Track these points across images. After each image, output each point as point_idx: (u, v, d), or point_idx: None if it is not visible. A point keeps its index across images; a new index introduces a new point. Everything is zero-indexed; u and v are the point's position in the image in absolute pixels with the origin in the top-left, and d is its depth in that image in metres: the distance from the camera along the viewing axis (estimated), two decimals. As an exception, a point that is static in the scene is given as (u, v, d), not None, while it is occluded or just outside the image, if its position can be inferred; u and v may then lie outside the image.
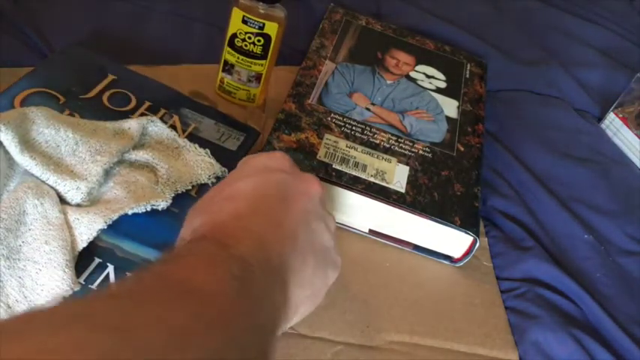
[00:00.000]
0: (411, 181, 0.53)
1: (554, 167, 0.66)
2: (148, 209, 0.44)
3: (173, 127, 0.52)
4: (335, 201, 0.52)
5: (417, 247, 0.54)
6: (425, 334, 0.48)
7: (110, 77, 0.54)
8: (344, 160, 0.53)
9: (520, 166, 0.64)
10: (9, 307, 0.38)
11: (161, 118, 0.52)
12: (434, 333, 0.48)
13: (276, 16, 0.54)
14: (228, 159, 0.51)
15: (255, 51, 0.56)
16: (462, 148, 0.59)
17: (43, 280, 0.39)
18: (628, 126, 0.70)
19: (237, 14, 0.54)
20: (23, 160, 0.43)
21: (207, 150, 0.50)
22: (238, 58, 0.57)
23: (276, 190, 0.38)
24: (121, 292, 0.27)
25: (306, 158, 0.52)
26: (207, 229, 0.34)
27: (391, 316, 0.48)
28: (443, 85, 0.66)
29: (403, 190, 0.52)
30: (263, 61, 0.57)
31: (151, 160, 0.47)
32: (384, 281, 0.51)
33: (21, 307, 0.38)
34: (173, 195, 0.46)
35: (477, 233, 0.51)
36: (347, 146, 0.54)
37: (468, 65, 0.70)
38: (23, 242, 0.40)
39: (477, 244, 0.51)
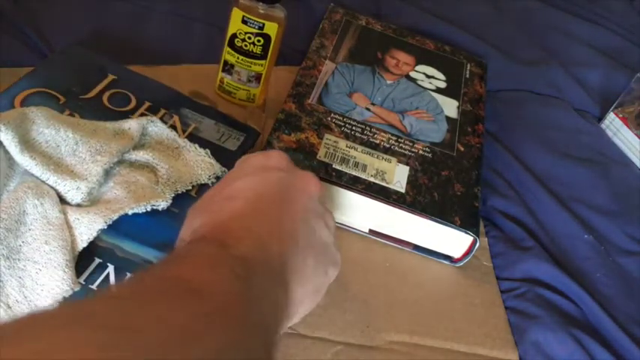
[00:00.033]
0: (411, 181, 0.53)
1: (554, 167, 0.66)
2: (148, 209, 0.44)
3: (173, 127, 0.52)
4: (335, 201, 0.52)
5: (417, 247, 0.54)
6: (425, 334, 0.48)
7: (110, 77, 0.54)
8: (344, 160, 0.53)
9: (520, 166, 0.64)
10: (9, 307, 0.38)
11: (161, 119, 0.52)
12: (434, 333, 0.48)
13: (275, 16, 0.54)
14: (228, 159, 0.51)
15: (255, 51, 0.56)
16: (462, 148, 0.59)
17: (43, 280, 0.39)
18: (628, 126, 0.70)
19: (237, 14, 0.54)
20: (23, 160, 0.43)
21: (207, 150, 0.50)
22: (238, 58, 0.57)
23: (274, 188, 0.38)
24: (122, 293, 0.27)
25: (306, 158, 0.52)
26: (207, 230, 0.34)
27: (391, 316, 0.48)
28: (443, 85, 0.66)
29: (403, 190, 0.52)
30: (263, 61, 0.57)
31: (151, 160, 0.47)
32: (384, 281, 0.51)
33: (21, 307, 0.38)
34: (173, 195, 0.46)
35: (477, 233, 0.51)
36: (347, 146, 0.54)
37: (468, 65, 0.70)
38: (23, 242, 0.40)
39: (477, 244, 0.51)
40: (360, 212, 0.53)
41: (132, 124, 0.49)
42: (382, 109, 0.60)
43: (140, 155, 0.48)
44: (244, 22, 0.54)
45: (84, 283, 0.41)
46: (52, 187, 0.43)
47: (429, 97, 0.64)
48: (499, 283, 0.54)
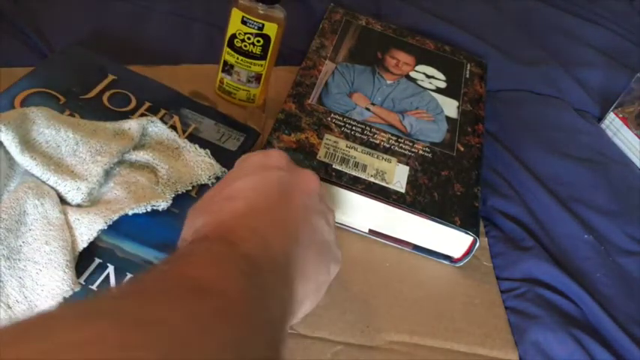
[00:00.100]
0: (411, 181, 0.53)
1: (554, 167, 0.66)
2: (149, 210, 0.44)
3: (173, 127, 0.52)
4: (335, 201, 0.52)
5: (416, 247, 0.54)
6: (425, 334, 0.48)
7: (110, 77, 0.54)
8: (344, 160, 0.53)
9: (520, 166, 0.64)
10: (9, 308, 0.38)
11: (161, 119, 0.52)
12: (434, 333, 0.48)
13: (275, 16, 0.54)
14: (228, 159, 0.51)
15: (254, 51, 0.56)
16: (462, 148, 0.59)
17: (44, 280, 0.39)
18: (628, 126, 0.70)
19: (236, 15, 0.54)
20: (24, 160, 0.43)
21: (207, 150, 0.50)
22: (238, 58, 0.57)
23: (275, 187, 0.38)
24: (139, 289, 0.27)
25: (306, 158, 0.52)
26: (210, 229, 0.34)
27: (391, 316, 0.48)
28: (443, 85, 0.66)
29: (403, 190, 0.52)
30: (262, 62, 0.57)
31: (151, 160, 0.47)
32: (384, 281, 0.51)
33: (21, 308, 0.38)
34: (173, 195, 0.46)
35: (477, 233, 0.51)
36: (347, 146, 0.54)
37: (468, 65, 0.70)
38: (24, 242, 0.40)
39: (477, 244, 0.51)
40: (360, 212, 0.53)
41: (132, 125, 0.49)
42: (382, 109, 0.60)
43: (140, 155, 0.48)
44: (244, 22, 0.54)
45: (84, 283, 0.41)
46: (52, 188, 0.43)
47: (429, 97, 0.64)
48: (499, 283, 0.54)
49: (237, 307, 0.28)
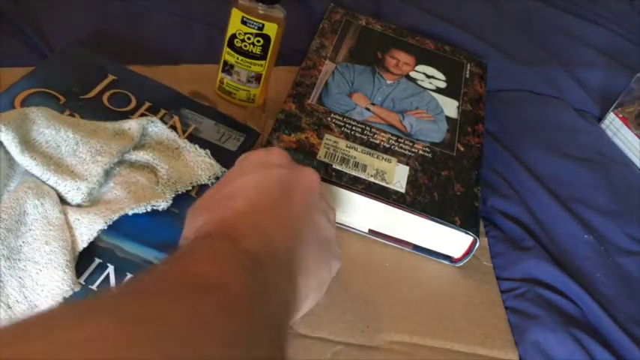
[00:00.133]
0: (411, 181, 0.53)
1: (554, 167, 0.66)
2: (149, 210, 0.44)
3: (173, 127, 0.52)
4: (335, 201, 0.52)
5: (416, 247, 0.54)
6: (425, 334, 0.48)
7: (110, 77, 0.54)
8: (344, 160, 0.53)
9: (520, 166, 0.64)
10: (9, 308, 0.38)
11: (161, 119, 0.52)
12: (434, 333, 0.48)
13: (275, 16, 0.54)
14: (228, 159, 0.51)
15: (254, 51, 0.56)
16: (462, 148, 0.59)
17: (44, 280, 0.39)
18: (628, 126, 0.70)
19: (236, 15, 0.54)
20: (24, 160, 0.43)
21: (207, 150, 0.50)
22: (238, 58, 0.57)
23: (276, 185, 0.38)
24: (140, 288, 0.27)
25: (306, 158, 0.52)
26: (211, 227, 0.34)
27: (391, 316, 0.48)
28: (443, 85, 0.66)
29: (403, 190, 0.52)
30: (262, 62, 0.57)
31: (151, 160, 0.47)
32: (384, 281, 0.51)
33: (21, 308, 0.38)
34: (173, 195, 0.46)
35: (477, 233, 0.51)
36: (347, 146, 0.54)
37: (468, 65, 0.70)
38: (24, 242, 0.40)
39: (477, 244, 0.51)
40: (360, 212, 0.53)
41: (132, 125, 0.49)
42: (382, 109, 0.60)
43: (140, 155, 0.48)
44: (244, 22, 0.54)
45: (84, 283, 0.41)
46: (52, 188, 0.43)
47: (429, 97, 0.64)
48: (499, 283, 0.54)
49: (239, 301, 0.28)
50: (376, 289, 0.50)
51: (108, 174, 0.46)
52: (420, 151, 0.56)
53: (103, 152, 0.46)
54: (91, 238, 0.42)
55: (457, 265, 0.53)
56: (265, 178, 0.38)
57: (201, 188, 0.49)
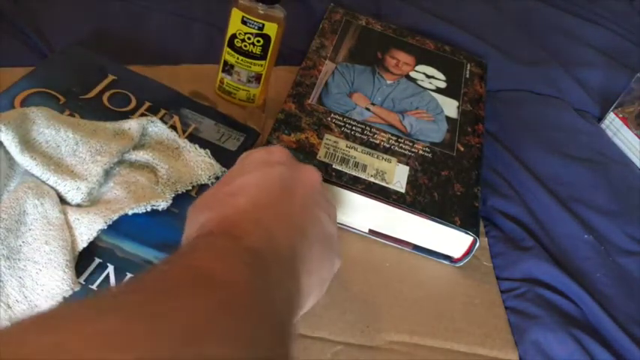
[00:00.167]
0: (411, 181, 0.53)
1: (554, 167, 0.66)
2: (148, 209, 0.44)
3: (173, 127, 0.52)
4: (335, 201, 0.52)
5: (417, 247, 0.54)
6: (425, 334, 0.48)
7: (110, 77, 0.54)
8: (344, 160, 0.53)
9: (520, 166, 0.64)
10: (9, 307, 0.38)
11: (161, 119, 0.52)
12: (434, 333, 0.48)
13: (275, 16, 0.54)
14: (228, 159, 0.51)
15: (254, 51, 0.56)
16: (462, 148, 0.59)
17: (44, 280, 0.39)
18: (628, 126, 0.70)
19: (236, 15, 0.54)
20: (23, 160, 0.43)
21: (207, 150, 0.50)
22: (238, 58, 0.57)
23: (278, 183, 0.38)
24: (144, 286, 0.27)
25: (306, 158, 0.52)
26: (214, 225, 0.34)
27: (391, 316, 0.48)
28: (443, 85, 0.66)
29: (403, 190, 0.52)
30: (263, 62, 0.57)
31: (151, 160, 0.47)
32: (384, 281, 0.51)
33: (21, 307, 0.38)
34: (173, 195, 0.46)
35: (477, 233, 0.51)
36: (347, 146, 0.54)
37: (468, 65, 0.70)
38: (23, 242, 0.40)
39: (477, 244, 0.51)
40: (360, 212, 0.53)
41: (132, 125, 0.49)
42: (382, 109, 0.60)
43: (140, 155, 0.48)
44: (244, 22, 0.54)
45: (84, 283, 0.41)
46: (52, 188, 0.43)
47: (429, 97, 0.64)
48: (499, 283, 0.54)
49: (242, 298, 0.28)
50: (376, 289, 0.50)
51: (108, 174, 0.46)
52: (420, 151, 0.56)
53: (103, 152, 0.46)
54: (91, 238, 0.42)
55: (457, 265, 0.53)
56: (267, 176, 0.38)
57: (201, 188, 0.49)
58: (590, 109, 0.76)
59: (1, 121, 0.43)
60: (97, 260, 0.42)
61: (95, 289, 0.41)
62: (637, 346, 0.51)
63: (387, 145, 0.56)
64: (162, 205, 0.45)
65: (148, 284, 0.27)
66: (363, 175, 0.52)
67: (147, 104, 0.53)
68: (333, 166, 0.52)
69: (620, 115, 0.71)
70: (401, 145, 0.56)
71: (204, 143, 0.51)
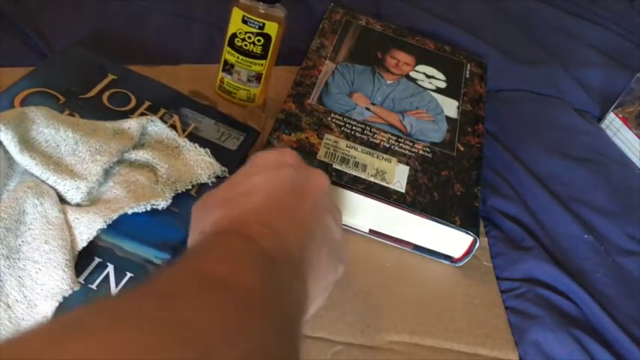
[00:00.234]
0: (411, 181, 0.53)
1: (554, 167, 0.66)
2: (148, 209, 0.44)
3: (173, 126, 0.52)
4: (335, 201, 0.52)
5: (417, 247, 0.54)
6: (425, 334, 0.48)
7: (110, 77, 0.54)
8: (344, 160, 0.53)
9: (520, 166, 0.64)
10: (8, 307, 0.38)
11: (161, 118, 0.52)
12: (434, 333, 0.48)
13: (276, 16, 0.54)
14: (228, 158, 0.51)
15: (255, 51, 0.56)
16: (462, 148, 0.59)
17: (43, 279, 0.39)
18: (628, 126, 0.70)
19: (237, 14, 0.54)
20: (23, 159, 0.43)
21: (207, 149, 0.50)
22: (238, 57, 0.57)
23: (288, 185, 0.38)
24: (161, 290, 0.26)
25: (306, 158, 0.52)
26: (227, 223, 0.34)
27: (391, 316, 0.48)
28: (443, 85, 0.66)
29: (403, 190, 0.52)
30: (263, 61, 0.57)
31: (150, 159, 0.47)
32: (384, 281, 0.51)
33: (21, 307, 0.38)
34: (173, 194, 0.46)
35: (477, 233, 0.51)
36: (347, 146, 0.54)
37: (468, 65, 0.70)
38: (23, 242, 0.40)
39: (477, 244, 0.51)
40: (360, 212, 0.52)
41: (132, 124, 0.49)
42: (382, 109, 0.60)
43: (140, 155, 0.48)
44: (244, 21, 0.54)
45: (84, 282, 0.41)
46: (51, 187, 0.43)
47: (429, 97, 0.64)
48: (499, 283, 0.54)
49: (256, 304, 0.28)
50: (376, 289, 0.50)
51: (107, 173, 0.46)
52: (420, 151, 0.56)
53: (103, 151, 0.46)
54: (91, 238, 0.42)
55: (457, 265, 0.53)
56: (278, 177, 0.38)
57: (201, 187, 0.48)
58: (590, 109, 0.76)
59: (1, 121, 0.43)
60: (97, 260, 0.42)
61: (95, 288, 0.41)
62: (637, 346, 0.51)
63: (387, 145, 0.56)
64: (162, 204, 0.45)
65: (161, 289, 0.26)
66: (363, 175, 0.52)
67: (147, 104, 0.53)
68: (333, 166, 0.52)
69: (620, 115, 0.71)
70: (401, 145, 0.56)
71: (204, 142, 0.51)
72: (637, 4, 0.98)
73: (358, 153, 0.54)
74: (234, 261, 0.30)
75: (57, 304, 0.39)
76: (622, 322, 0.52)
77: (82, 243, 0.41)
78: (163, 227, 0.44)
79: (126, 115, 0.51)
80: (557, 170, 0.66)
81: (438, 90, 0.65)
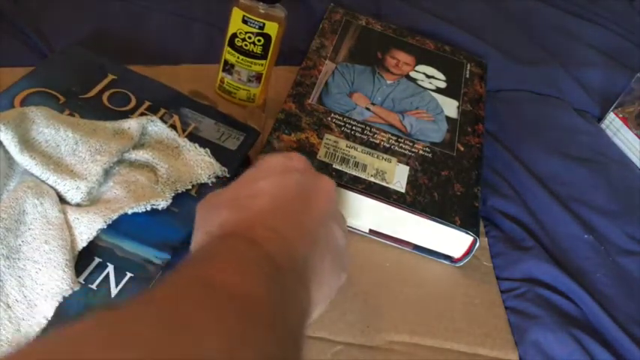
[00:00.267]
0: (411, 181, 0.53)
1: (554, 167, 0.66)
2: (148, 209, 0.44)
3: (173, 126, 0.52)
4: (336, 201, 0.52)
5: (417, 247, 0.54)
6: (425, 334, 0.48)
7: (110, 77, 0.54)
8: (344, 160, 0.53)
9: (520, 166, 0.64)
10: (8, 307, 0.38)
11: (161, 118, 0.52)
12: (434, 333, 0.48)
13: (276, 15, 0.54)
14: (228, 158, 0.51)
15: (255, 51, 0.56)
16: (462, 148, 0.59)
17: (43, 279, 0.39)
18: (628, 126, 0.70)
19: (237, 14, 0.54)
20: (23, 159, 0.43)
21: (207, 149, 0.50)
22: (238, 57, 0.57)
23: (296, 190, 0.38)
24: (164, 299, 0.26)
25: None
26: (233, 226, 0.34)
27: (391, 316, 0.48)
28: (443, 85, 0.66)
29: (403, 190, 0.52)
30: (263, 61, 0.57)
31: (150, 159, 0.47)
32: (384, 281, 0.51)
33: (20, 307, 0.38)
34: (173, 194, 0.46)
35: (477, 233, 0.51)
36: (347, 146, 0.54)
37: (468, 65, 0.70)
38: (23, 242, 0.40)
39: (477, 244, 0.51)
40: (360, 212, 0.52)
41: (132, 124, 0.49)
42: (382, 109, 0.60)
43: (140, 155, 0.48)
44: (245, 21, 0.54)
45: (83, 282, 0.41)
46: (51, 187, 0.43)
47: (429, 97, 0.64)
48: (499, 283, 0.54)
49: (267, 312, 0.28)
50: (376, 289, 0.50)
51: (107, 173, 0.46)
52: (420, 151, 0.56)
53: (103, 151, 0.46)
54: (91, 238, 0.42)
55: (457, 265, 0.53)
56: (285, 182, 0.38)
57: (201, 187, 0.48)
58: (590, 109, 0.76)
59: (1, 121, 0.43)
60: (97, 260, 0.42)
61: (95, 288, 0.41)
62: (637, 346, 0.51)
63: (387, 145, 0.56)
64: (162, 204, 0.45)
65: (164, 297, 0.26)
66: (363, 175, 0.52)
67: (147, 103, 0.53)
68: (333, 166, 0.52)
69: (620, 115, 0.71)
70: (401, 145, 0.56)
71: (204, 142, 0.51)
72: (637, 4, 0.98)
73: (358, 153, 0.54)
74: (239, 269, 0.30)
75: (57, 304, 0.39)
76: (622, 322, 0.52)
77: (82, 243, 0.41)
78: (163, 227, 0.44)
79: (126, 115, 0.51)
80: (557, 170, 0.66)
81: (438, 90, 0.65)
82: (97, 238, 0.42)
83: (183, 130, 0.52)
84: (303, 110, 0.57)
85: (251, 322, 0.26)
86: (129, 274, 0.42)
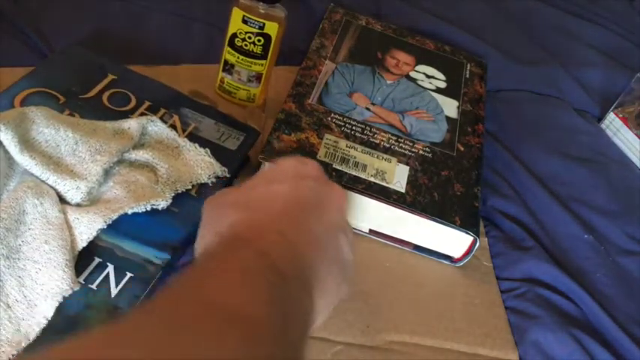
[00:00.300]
0: (411, 181, 0.53)
1: (554, 167, 0.66)
2: (148, 209, 0.44)
3: (173, 126, 0.52)
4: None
5: (417, 247, 0.54)
6: (425, 334, 0.48)
7: (110, 77, 0.54)
8: (344, 160, 0.53)
9: (520, 166, 0.64)
10: (8, 307, 0.38)
11: (161, 118, 0.52)
12: (434, 333, 0.48)
13: (276, 15, 0.54)
14: (228, 158, 0.51)
15: (255, 51, 0.56)
16: (462, 148, 0.59)
17: (43, 279, 0.39)
18: (628, 126, 0.70)
19: (237, 14, 0.54)
20: (23, 159, 0.43)
21: (207, 149, 0.50)
22: (238, 57, 0.57)
23: (307, 197, 0.38)
24: (165, 318, 0.26)
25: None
26: (243, 228, 0.34)
27: (391, 316, 0.48)
28: (443, 85, 0.66)
29: (403, 190, 0.52)
30: (263, 61, 0.57)
31: (150, 159, 0.47)
32: (384, 281, 0.51)
33: (21, 307, 0.38)
34: (173, 194, 0.46)
35: (477, 233, 0.51)
36: (347, 146, 0.54)
37: (468, 65, 0.70)
38: (23, 242, 0.40)
39: (477, 244, 0.51)
40: (360, 212, 0.52)
41: (132, 124, 0.49)
42: (382, 109, 0.60)
43: (140, 155, 0.48)
44: (245, 21, 0.54)
45: (83, 282, 0.41)
46: (51, 187, 0.43)
47: (429, 97, 0.64)
48: (499, 283, 0.54)
49: (263, 330, 0.28)
50: (376, 289, 0.50)
51: (107, 173, 0.46)
52: (420, 151, 0.56)
53: (103, 151, 0.46)
54: (91, 238, 0.42)
55: (457, 265, 0.53)
56: (298, 188, 0.38)
57: (201, 187, 0.49)
58: (590, 109, 0.76)
59: (1, 121, 0.43)
60: (97, 260, 0.42)
61: (95, 288, 0.41)
62: (637, 346, 0.51)
63: (387, 145, 0.56)
64: (162, 204, 0.45)
65: (165, 316, 0.26)
66: (363, 175, 0.52)
67: (147, 103, 0.53)
68: (333, 166, 0.52)
69: (620, 115, 0.71)
70: (401, 145, 0.56)
71: (204, 142, 0.51)
72: (637, 4, 0.98)
73: (358, 153, 0.54)
74: (243, 285, 0.29)
75: (57, 304, 0.39)
76: (622, 322, 0.52)
77: (82, 243, 0.41)
78: (163, 227, 0.45)
79: (126, 115, 0.51)
80: (557, 170, 0.66)
81: (438, 90, 0.65)
82: (97, 238, 0.42)
83: (183, 130, 0.52)
84: (303, 110, 0.57)
85: (254, 343, 0.26)
86: (129, 274, 0.42)
